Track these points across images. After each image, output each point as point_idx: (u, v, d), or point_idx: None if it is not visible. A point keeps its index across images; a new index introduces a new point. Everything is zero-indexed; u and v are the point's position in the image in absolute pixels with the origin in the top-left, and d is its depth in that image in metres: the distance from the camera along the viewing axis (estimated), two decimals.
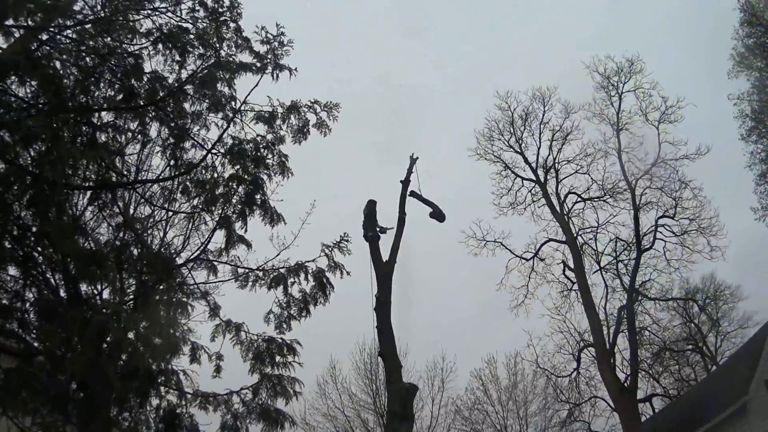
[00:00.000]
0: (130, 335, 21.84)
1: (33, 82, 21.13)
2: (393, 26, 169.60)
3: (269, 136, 25.32)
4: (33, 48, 21.00)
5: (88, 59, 22.20)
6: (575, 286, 60.30)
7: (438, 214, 37.96)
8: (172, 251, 26.40)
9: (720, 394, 45.78)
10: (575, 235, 61.48)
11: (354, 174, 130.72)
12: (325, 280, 25.99)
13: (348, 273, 26.51)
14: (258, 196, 25.05)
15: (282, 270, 25.80)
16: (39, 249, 22.20)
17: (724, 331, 69.89)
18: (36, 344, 22.37)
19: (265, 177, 25.19)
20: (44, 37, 21.51)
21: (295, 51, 24.91)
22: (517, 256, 63.37)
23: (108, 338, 20.83)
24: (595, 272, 61.44)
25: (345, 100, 25.88)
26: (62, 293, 23.47)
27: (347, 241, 26.71)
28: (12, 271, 22.21)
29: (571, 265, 60.46)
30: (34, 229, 21.32)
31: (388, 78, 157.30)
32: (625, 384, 55.94)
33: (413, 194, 38.26)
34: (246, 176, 24.85)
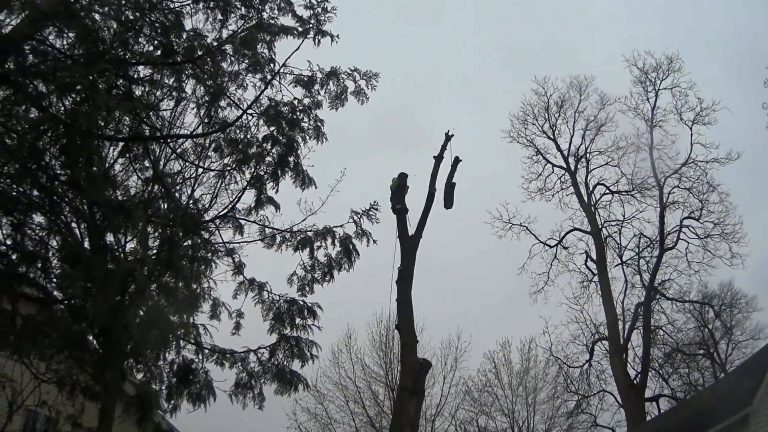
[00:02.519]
0: (153, 287, 22.01)
1: (71, 34, 21.13)
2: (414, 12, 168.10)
3: (306, 100, 25.21)
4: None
5: (128, 13, 22.08)
6: (596, 278, 60.50)
7: (448, 197, 37.88)
8: (200, 208, 26.46)
9: (724, 403, 45.63)
10: (600, 226, 61.68)
11: (389, 144, 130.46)
12: (351, 247, 26.12)
13: (375, 241, 26.58)
14: (291, 158, 25.06)
15: (309, 233, 25.98)
16: (67, 198, 22.28)
17: (736, 340, 69.30)
18: (56, 293, 22.61)
19: (299, 140, 25.16)
20: None
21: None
22: (541, 241, 63.99)
23: (131, 287, 20.98)
24: (616, 266, 61.90)
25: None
26: (86, 244, 23.62)
27: (376, 209, 26.77)
28: (38, 219, 22.39)
29: (594, 257, 60.66)
30: (63, 178, 21.42)
31: (407, 64, 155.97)
32: (635, 381, 56.10)
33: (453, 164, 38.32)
34: (281, 137, 24.83)
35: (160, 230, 24.30)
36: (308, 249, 25.97)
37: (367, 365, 67.89)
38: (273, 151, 25.05)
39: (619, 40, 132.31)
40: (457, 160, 38.40)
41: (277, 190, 25.38)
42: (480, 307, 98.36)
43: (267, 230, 26.22)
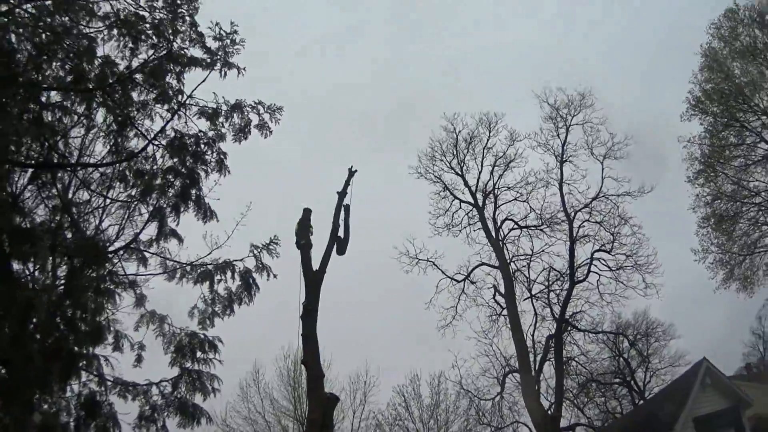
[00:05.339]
0: (57, 318, 21.95)
1: None
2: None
3: (211, 133, 25.41)
4: None
5: (43, 36, 22.11)
6: (504, 312, 60.72)
7: (341, 246, 38.05)
8: (106, 239, 26.35)
9: (646, 428, 46.37)
10: (509, 261, 61.86)
11: (293, 179, 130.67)
12: (251, 281, 26.48)
13: (275, 276, 26.98)
14: (193, 191, 25.32)
15: (209, 267, 26.20)
16: None
17: (654, 368, 70.36)
18: None
19: (202, 173, 25.40)
20: (3, 8, 21.40)
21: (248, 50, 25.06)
22: (448, 276, 63.36)
23: (34, 317, 20.88)
24: (525, 299, 61.85)
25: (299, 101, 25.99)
26: None
27: (276, 243, 27.26)
28: None
29: (502, 291, 60.87)
30: None
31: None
32: (549, 411, 56.46)
33: (346, 211, 38.46)
34: (183, 170, 24.99)
35: (66, 260, 24.23)
36: (208, 282, 26.19)
37: (276, 399, 67.85)
38: (176, 183, 25.15)
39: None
40: (348, 209, 38.68)
41: (178, 223, 25.68)
42: (387, 342, 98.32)
43: (169, 263, 26.34)
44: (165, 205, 25.22)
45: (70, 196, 26.17)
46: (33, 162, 23.28)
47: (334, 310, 67.51)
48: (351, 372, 70.51)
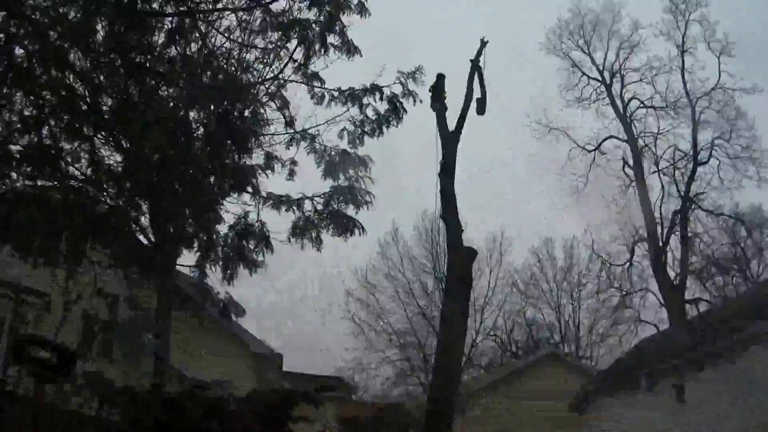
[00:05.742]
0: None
1: None
2: None
3: None
4: None
5: None
6: (633, 183, 61.05)
7: (481, 105, 38.37)
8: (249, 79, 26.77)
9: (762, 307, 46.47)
10: (636, 136, 62.14)
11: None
12: (398, 104, 27.03)
13: (420, 101, 27.93)
14: (337, 26, 25.01)
15: (358, 91, 26.64)
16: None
17: (767, 261, 69.73)
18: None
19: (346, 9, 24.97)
20: None
21: None
22: (579, 146, 64.15)
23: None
24: (653, 173, 62.12)
25: None
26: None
27: (422, 72, 27.93)
28: None
29: (631, 163, 61.14)
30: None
31: None
32: (675, 282, 56.81)
33: (478, 71, 38.80)
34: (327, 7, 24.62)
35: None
36: (357, 104, 26.70)
37: (415, 257, 70.87)
38: (320, 17, 24.73)
39: None
40: (480, 70, 39.10)
41: (324, 51, 25.25)
42: (519, 207, 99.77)
43: (316, 89, 26.82)
44: (311, 35, 24.82)
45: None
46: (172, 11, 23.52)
47: (468, 176, 68.43)
48: (487, 233, 72.15)
